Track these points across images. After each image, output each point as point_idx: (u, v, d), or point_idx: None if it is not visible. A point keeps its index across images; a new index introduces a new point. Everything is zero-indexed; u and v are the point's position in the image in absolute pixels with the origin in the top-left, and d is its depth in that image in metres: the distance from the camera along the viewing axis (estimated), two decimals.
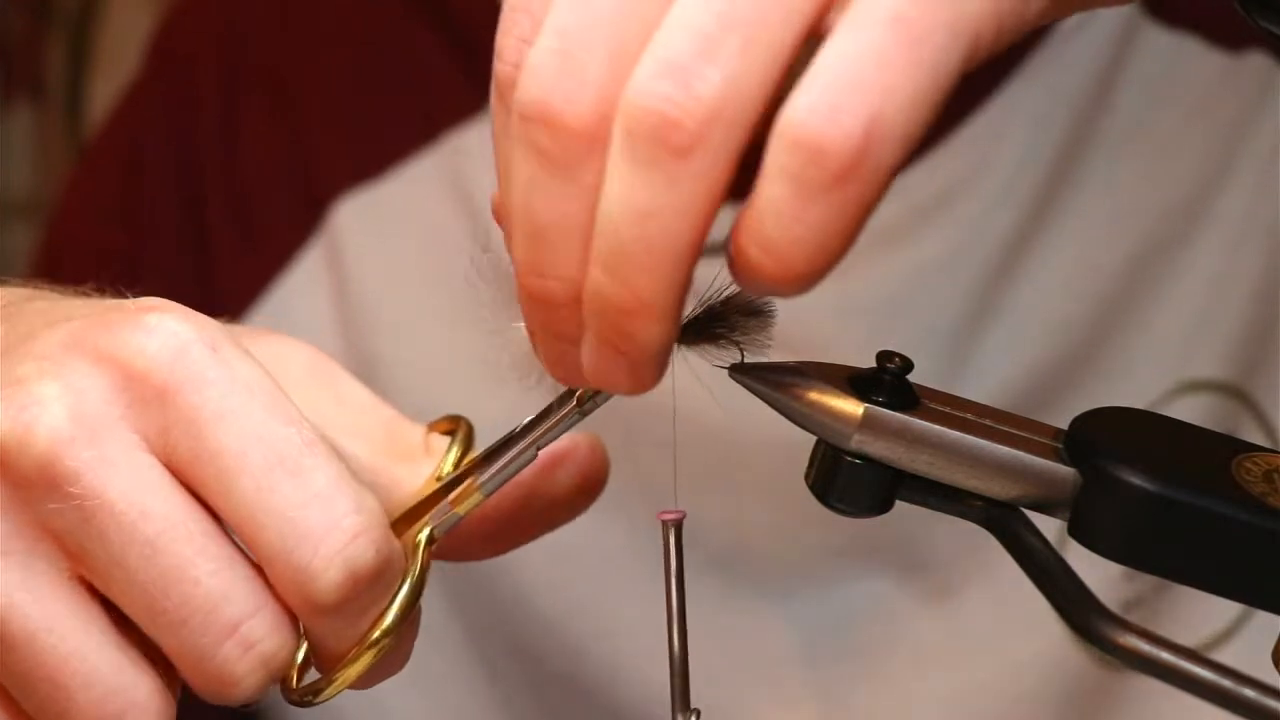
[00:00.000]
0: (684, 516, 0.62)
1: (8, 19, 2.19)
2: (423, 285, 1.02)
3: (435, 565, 1.03)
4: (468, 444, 0.66)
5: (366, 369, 1.02)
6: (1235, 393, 0.95)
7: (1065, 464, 0.58)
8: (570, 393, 0.60)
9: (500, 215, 0.55)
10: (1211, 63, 0.97)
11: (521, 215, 0.52)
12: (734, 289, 0.59)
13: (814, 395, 0.58)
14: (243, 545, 0.59)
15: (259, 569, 0.59)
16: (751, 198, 0.50)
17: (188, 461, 0.58)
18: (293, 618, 0.59)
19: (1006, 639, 0.96)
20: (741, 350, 0.59)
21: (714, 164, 0.50)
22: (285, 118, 1.07)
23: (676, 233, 0.50)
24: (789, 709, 0.98)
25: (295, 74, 1.07)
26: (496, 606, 1.01)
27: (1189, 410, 0.95)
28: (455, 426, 0.67)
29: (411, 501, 0.63)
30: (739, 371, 0.59)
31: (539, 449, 0.61)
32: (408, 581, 0.60)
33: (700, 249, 0.51)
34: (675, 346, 0.59)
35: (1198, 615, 0.95)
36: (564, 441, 0.65)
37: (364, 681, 0.61)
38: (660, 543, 0.62)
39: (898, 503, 0.59)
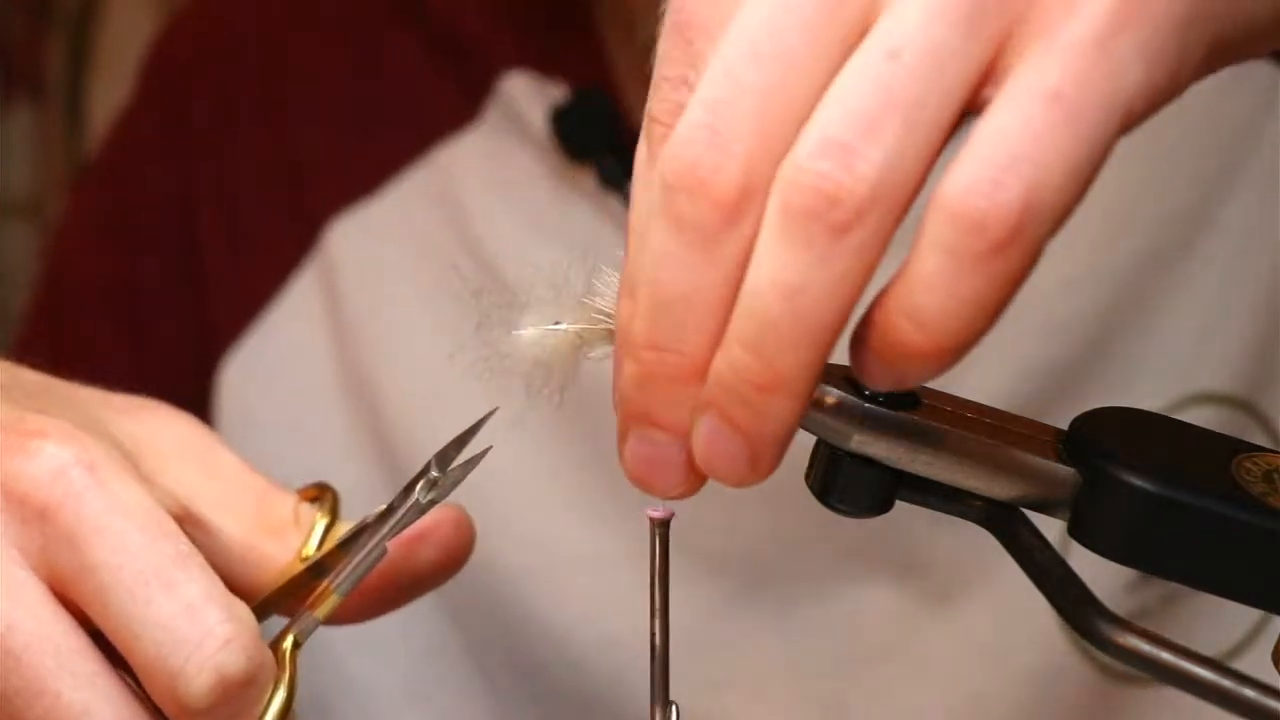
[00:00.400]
0: (672, 516, 0.62)
1: (8, 19, 2.19)
2: (416, 303, 1.02)
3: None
4: (333, 513, 0.69)
5: (362, 390, 1.02)
6: (1242, 404, 0.95)
7: (1065, 464, 0.58)
8: (409, 488, 0.64)
9: (623, 287, 0.55)
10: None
11: (649, 286, 0.52)
12: None
13: (814, 395, 0.58)
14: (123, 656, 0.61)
15: (130, 684, 0.61)
16: (902, 270, 0.51)
17: (68, 577, 0.61)
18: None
19: (1008, 648, 0.95)
20: None
21: (870, 243, 0.50)
22: (278, 137, 1.07)
23: (825, 310, 0.51)
24: (787, 717, 0.98)
25: (288, 92, 1.08)
26: (496, 619, 1.01)
27: (1195, 421, 0.95)
28: (321, 495, 0.70)
29: (279, 582, 0.67)
30: None
31: (386, 546, 0.64)
32: (281, 689, 0.62)
33: (843, 327, 0.51)
34: None
35: (1206, 630, 0.94)
36: (427, 519, 0.67)
37: None
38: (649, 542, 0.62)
39: (899, 510, 0.59)
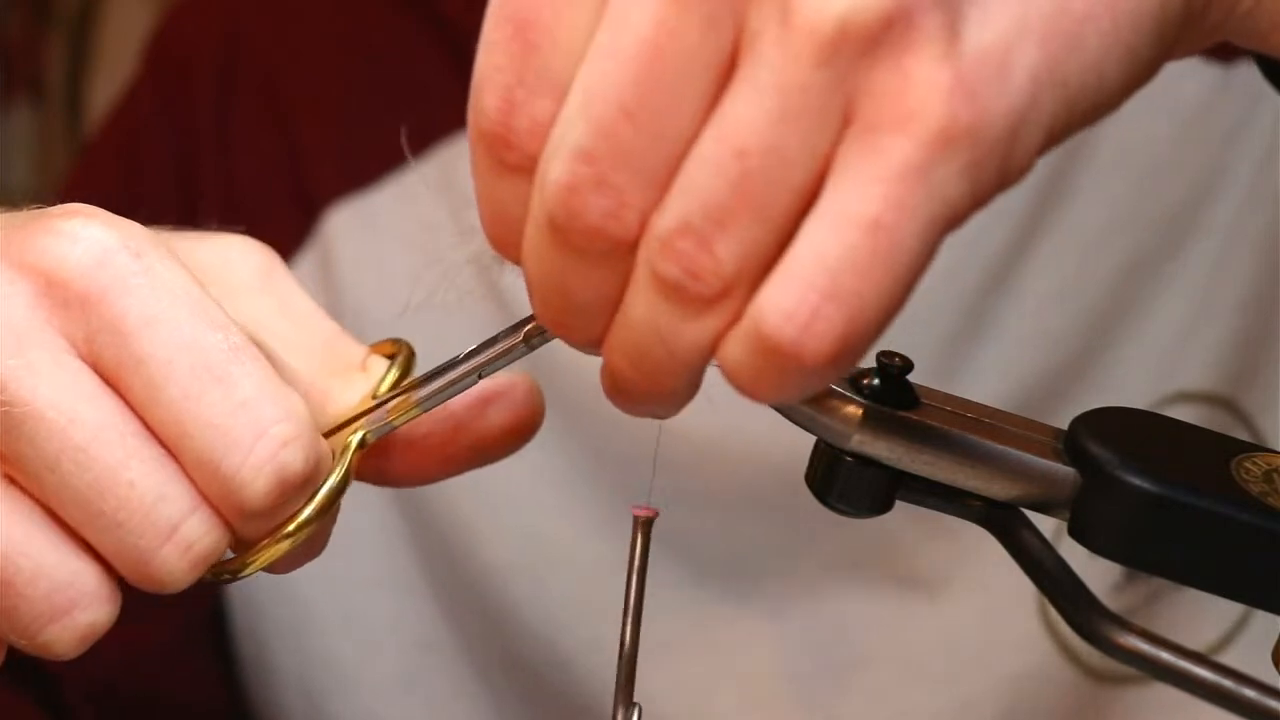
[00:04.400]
0: (656, 514, 0.62)
1: (8, 19, 2.20)
2: (413, 290, 1.02)
3: (429, 573, 1.03)
4: (407, 368, 0.66)
5: None
6: (1224, 403, 0.95)
7: (1065, 464, 0.58)
8: (518, 325, 0.60)
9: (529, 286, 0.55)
10: (1205, 76, 0.97)
11: (542, 283, 0.54)
12: None
13: (814, 395, 0.58)
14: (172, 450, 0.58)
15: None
16: (719, 356, 0.52)
17: (114, 368, 0.58)
18: (223, 514, 0.59)
19: (994, 651, 0.96)
20: None
21: (731, 308, 0.51)
22: (280, 124, 1.07)
23: (693, 351, 0.52)
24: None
25: (290, 80, 1.07)
26: (488, 618, 1.01)
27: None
28: (397, 350, 0.67)
29: (343, 417, 0.63)
30: None
31: (481, 376, 0.61)
32: (331, 477, 0.60)
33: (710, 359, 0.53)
34: None
35: (1189, 627, 0.95)
36: (501, 379, 0.65)
37: (283, 565, 0.61)
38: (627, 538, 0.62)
39: (892, 515, 0.59)
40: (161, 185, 1.08)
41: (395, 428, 0.62)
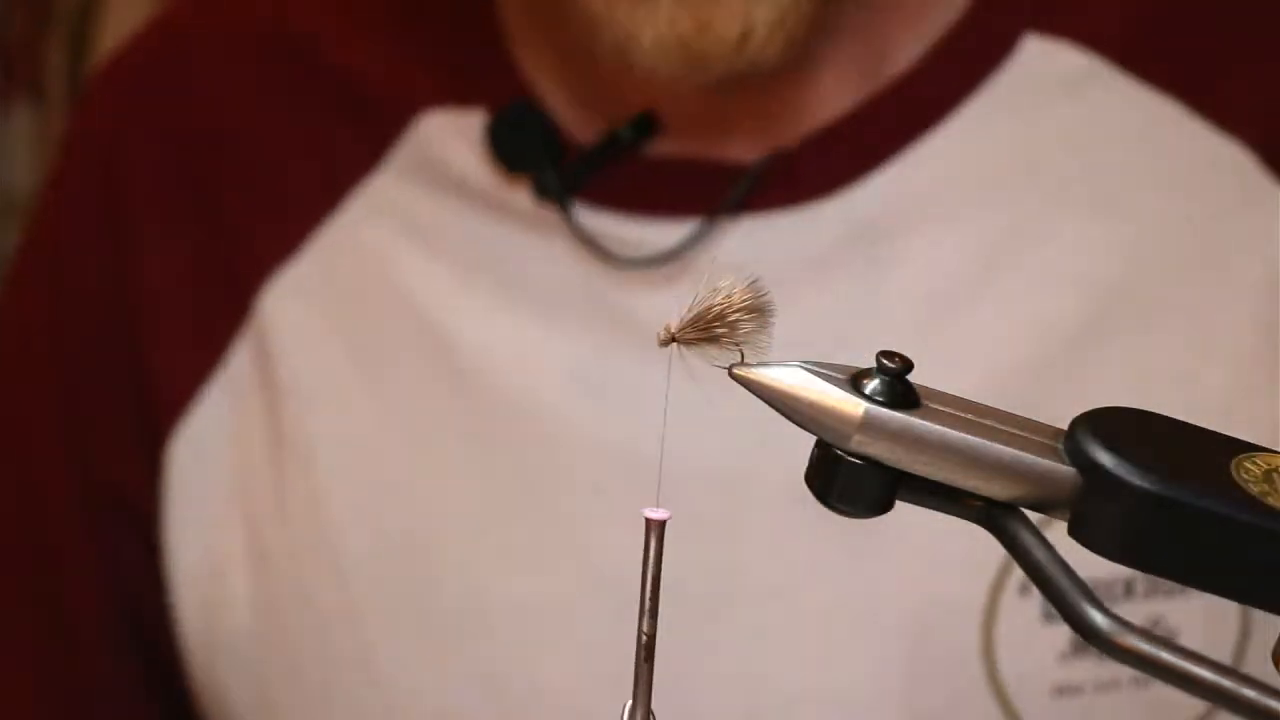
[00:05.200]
0: (669, 518, 0.62)
1: (8, 19, 2.19)
2: (348, 356, 1.02)
3: None
4: None
5: (304, 453, 1.01)
6: None
7: (1065, 464, 0.58)
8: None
9: None
10: (1189, 131, 0.98)
11: None
12: (733, 289, 0.59)
13: (814, 395, 0.58)
14: None
15: None
16: None
17: None
18: None
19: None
20: (741, 351, 0.59)
21: None
22: (204, 209, 1.06)
23: None
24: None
25: (209, 160, 1.06)
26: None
27: None
28: None
29: None
30: (739, 371, 0.59)
31: None
32: None
33: None
34: (673, 347, 0.59)
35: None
36: None
37: None
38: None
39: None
40: (97, 295, 1.07)
41: None
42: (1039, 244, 0.98)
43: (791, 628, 0.96)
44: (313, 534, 1.01)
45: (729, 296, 0.59)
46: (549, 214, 0.99)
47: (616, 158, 1.00)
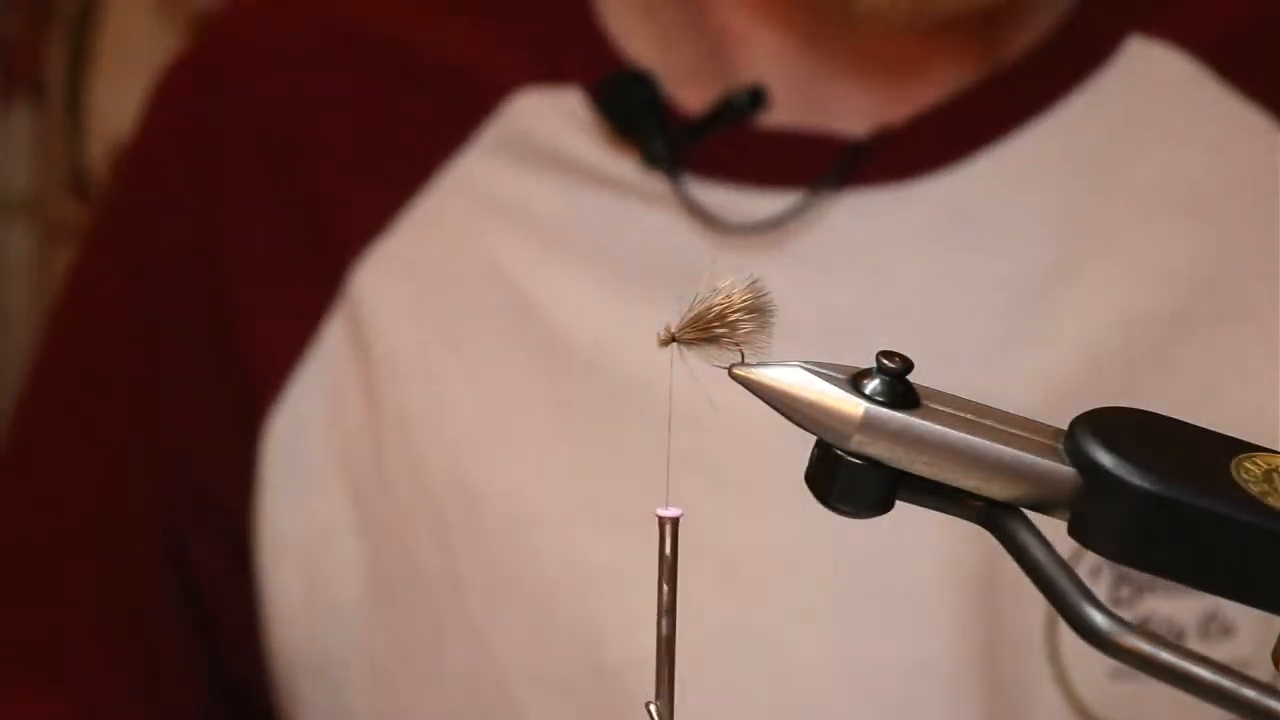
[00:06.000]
0: (681, 515, 0.62)
1: (8, 19, 2.19)
2: (440, 330, 1.03)
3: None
4: None
5: (401, 425, 1.02)
6: None
7: (1065, 464, 0.58)
8: None
9: None
10: (1255, 122, 1.00)
11: None
12: (733, 289, 0.59)
13: (814, 395, 0.58)
14: None
15: None
16: None
17: None
18: None
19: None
20: (742, 351, 0.59)
21: None
22: (296, 184, 1.07)
23: None
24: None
25: (304, 135, 1.07)
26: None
27: None
28: None
29: None
30: (739, 371, 0.59)
31: None
32: None
33: None
34: (674, 347, 0.60)
35: None
36: None
37: None
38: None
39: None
40: (185, 263, 1.08)
41: None
42: (1129, 236, 1.00)
43: (867, 605, 0.98)
44: (414, 503, 1.02)
45: (729, 296, 0.59)
46: (654, 184, 1.00)
47: (725, 127, 1.01)
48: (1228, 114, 1.02)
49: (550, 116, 1.03)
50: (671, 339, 0.60)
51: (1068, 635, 0.95)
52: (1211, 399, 0.97)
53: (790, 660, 0.98)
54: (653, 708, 0.62)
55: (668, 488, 0.63)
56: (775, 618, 0.99)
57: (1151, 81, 1.02)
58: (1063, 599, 0.56)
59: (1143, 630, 0.55)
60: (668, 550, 0.61)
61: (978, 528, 0.94)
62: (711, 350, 0.59)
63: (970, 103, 1.02)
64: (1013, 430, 0.58)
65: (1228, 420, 0.97)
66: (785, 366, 0.58)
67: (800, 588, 0.99)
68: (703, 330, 0.59)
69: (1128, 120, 1.02)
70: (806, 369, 0.58)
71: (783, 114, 1.02)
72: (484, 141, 1.04)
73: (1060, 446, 0.58)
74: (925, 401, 0.58)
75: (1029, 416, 0.95)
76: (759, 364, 0.59)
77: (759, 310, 0.59)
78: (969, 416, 0.58)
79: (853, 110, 1.02)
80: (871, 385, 0.58)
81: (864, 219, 1.00)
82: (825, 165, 1.00)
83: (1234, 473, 0.57)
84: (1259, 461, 0.58)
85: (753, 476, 0.98)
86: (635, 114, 1.01)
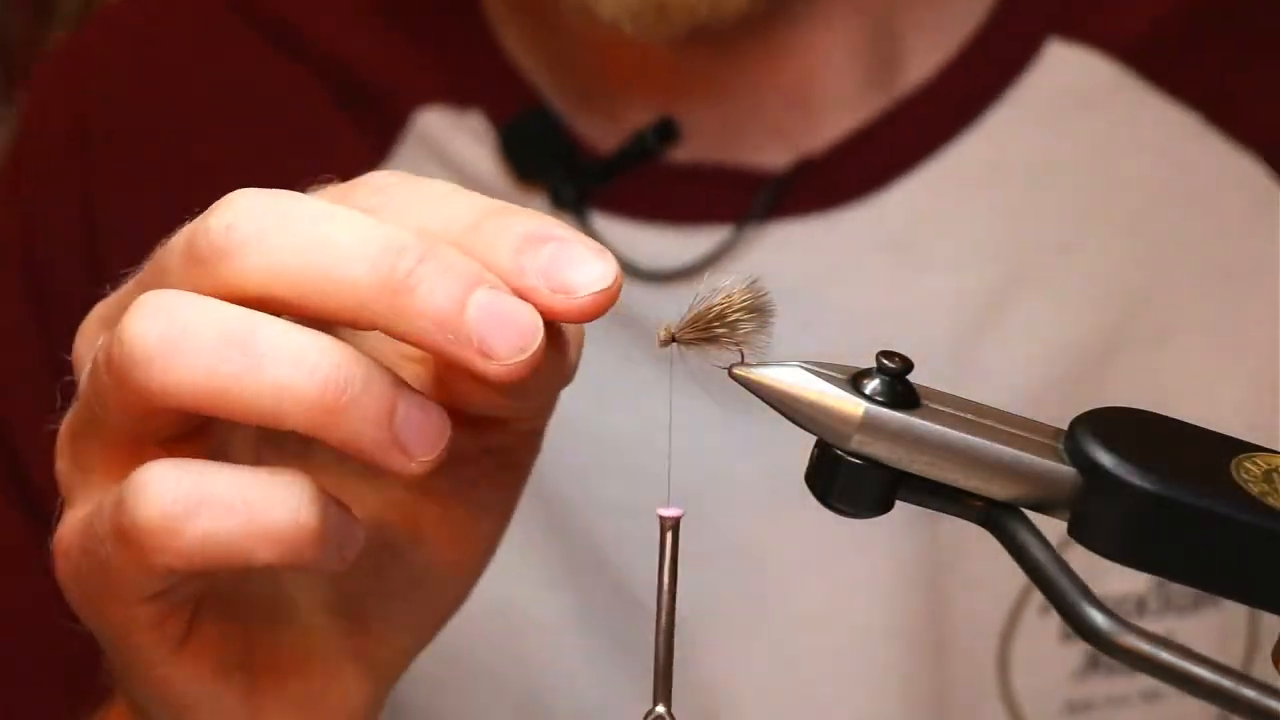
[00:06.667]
0: (682, 515, 0.62)
1: (8, 19, 2.19)
2: None
3: None
4: None
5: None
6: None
7: (1065, 464, 0.58)
8: None
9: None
10: (1187, 123, 0.98)
11: None
12: (733, 289, 0.59)
13: (814, 395, 0.58)
14: None
15: None
16: None
17: None
18: None
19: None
20: (741, 351, 0.59)
21: None
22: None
23: None
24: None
25: (192, 159, 1.05)
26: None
27: None
28: None
29: None
30: (738, 371, 0.59)
31: None
32: None
33: None
34: (674, 347, 0.59)
35: None
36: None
37: None
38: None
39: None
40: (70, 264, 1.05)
41: None
42: (1062, 256, 0.97)
43: (817, 649, 0.97)
44: None
45: (729, 296, 0.59)
46: (567, 220, 0.99)
47: (635, 166, 0.98)
48: (1155, 116, 0.99)
49: (462, 136, 1.01)
50: (671, 339, 0.60)
51: (1019, 675, 0.96)
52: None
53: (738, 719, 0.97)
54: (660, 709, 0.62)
55: (669, 488, 0.63)
56: (717, 675, 0.97)
57: (1074, 88, 0.99)
58: (1063, 599, 0.56)
59: (1142, 630, 0.55)
60: (668, 550, 0.61)
61: (917, 580, 0.94)
62: (711, 350, 0.59)
63: (889, 124, 0.99)
64: (1013, 430, 0.58)
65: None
66: (785, 366, 0.58)
67: (744, 647, 0.97)
68: (702, 330, 0.59)
69: (1054, 132, 0.99)
70: (806, 369, 0.58)
71: (694, 148, 0.99)
72: (402, 157, 1.02)
73: (1060, 446, 0.58)
74: (925, 401, 0.58)
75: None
76: (759, 364, 0.59)
77: (759, 310, 0.59)
78: (969, 416, 0.58)
79: (765, 141, 0.99)
80: (871, 385, 0.58)
81: (790, 252, 0.98)
82: (742, 200, 0.98)
83: (1234, 473, 0.57)
84: (1259, 461, 0.58)
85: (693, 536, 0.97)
86: (541, 156, 0.98)
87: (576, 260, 0.57)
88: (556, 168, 0.98)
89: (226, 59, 1.06)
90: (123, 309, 0.59)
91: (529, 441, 0.67)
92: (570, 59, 1.00)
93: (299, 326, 0.57)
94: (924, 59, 1.00)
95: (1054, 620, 0.95)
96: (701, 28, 0.92)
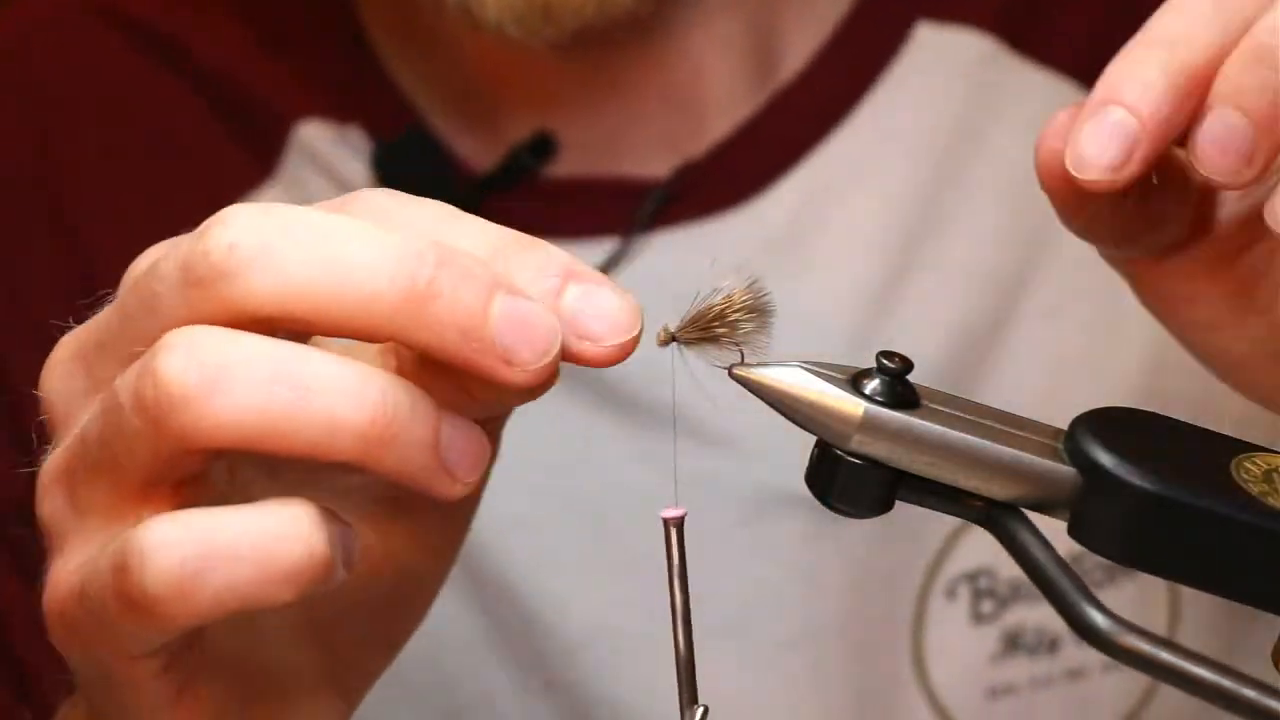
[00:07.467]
0: (685, 515, 0.62)
1: None
2: None
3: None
4: None
5: None
6: None
7: (1065, 464, 0.58)
8: None
9: None
10: (1066, 96, 0.97)
11: None
12: (733, 289, 0.59)
13: (814, 395, 0.58)
14: None
15: None
16: None
17: None
18: None
19: None
20: (741, 351, 0.59)
21: None
22: (68, 245, 1.01)
23: None
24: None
25: (70, 192, 1.02)
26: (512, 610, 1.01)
27: None
28: None
29: None
30: (739, 371, 0.59)
31: None
32: None
33: None
34: (675, 347, 0.59)
35: None
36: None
37: None
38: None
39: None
40: None
41: None
42: (945, 240, 0.97)
43: (728, 660, 0.96)
44: None
45: (729, 296, 0.59)
46: None
47: (514, 184, 0.98)
48: (1030, 87, 0.99)
49: (341, 151, 0.99)
50: (671, 339, 0.60)
51: (936, 666, 0.95)
52: (1039, 401, 0.96)
53: None
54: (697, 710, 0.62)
55: (676, 489, 0.63)
56: (620, 691, 0.97)
57: (947, 67, 0.99)
58: (1062, 599, 0.56)
59: (1142, 630, 0.55)
60: (674, 553, 0.61)
61: (825, 585, 0.94)
62: (711, 350, 0.59)
63: (765, 124, 0.99)
64: (1013, 430, 0.58)
65: (1062, 421, 0.97)
66: (785, 366, 0.58)
67: (651, 661, 0.96)
68: (703, 330, 0.59)
69: (930, 112, 0.99)
70: (806, 369, 0.58)
71: (573, 161, 0.98)
72: (286, 173, 1.00)
73: (1060, 446, 0.58)
74: (925, 401, 0.58)
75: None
76: (759, 364, 0.59)
77: (759, 310, 0.59)
78: (969, 416, 0.58)
79: (644, 148, 0.99)
80: (871, 385, 0.58)
81: (677, 258, 0.96)
82: (625, 210, 0.97)
83: (1234, 473, 0.57)
84: (1259, 461, 0.58)
85: (592, 550, 0.97)
86: (416, 178, 0.96)
87: (603, 307, 0.57)
88: (431, 190, 0.97)
89: (104, 75, 1.04)
90: (100, 344, 0.58)
91: (496, 438, 0.66)
92: (450, 75, 1.00)
93: (337, 356, 0.56)
94: (798, 53, 1.00)
95: (961, 604, 0.95)
96: (586, 30, 0.91)
